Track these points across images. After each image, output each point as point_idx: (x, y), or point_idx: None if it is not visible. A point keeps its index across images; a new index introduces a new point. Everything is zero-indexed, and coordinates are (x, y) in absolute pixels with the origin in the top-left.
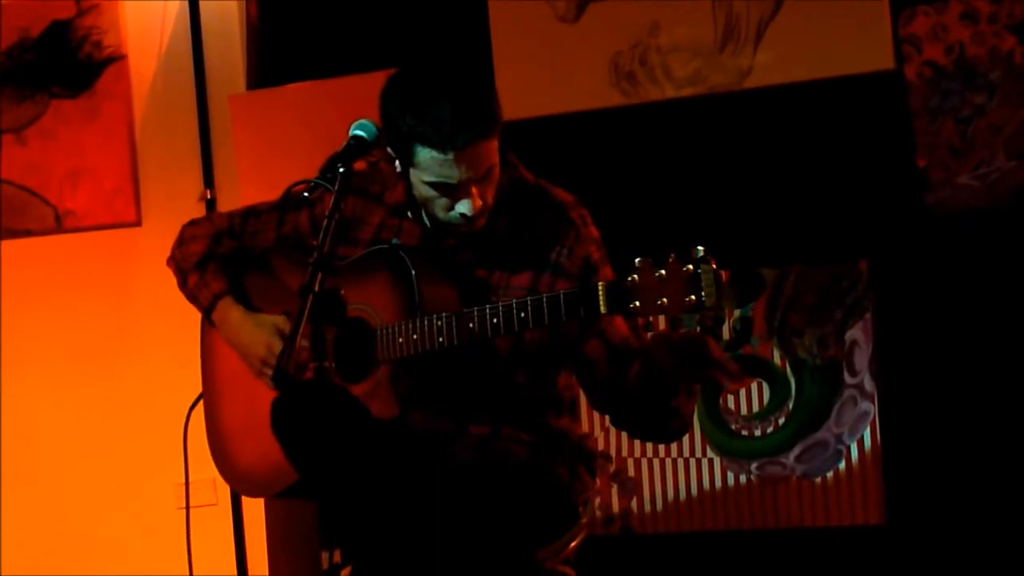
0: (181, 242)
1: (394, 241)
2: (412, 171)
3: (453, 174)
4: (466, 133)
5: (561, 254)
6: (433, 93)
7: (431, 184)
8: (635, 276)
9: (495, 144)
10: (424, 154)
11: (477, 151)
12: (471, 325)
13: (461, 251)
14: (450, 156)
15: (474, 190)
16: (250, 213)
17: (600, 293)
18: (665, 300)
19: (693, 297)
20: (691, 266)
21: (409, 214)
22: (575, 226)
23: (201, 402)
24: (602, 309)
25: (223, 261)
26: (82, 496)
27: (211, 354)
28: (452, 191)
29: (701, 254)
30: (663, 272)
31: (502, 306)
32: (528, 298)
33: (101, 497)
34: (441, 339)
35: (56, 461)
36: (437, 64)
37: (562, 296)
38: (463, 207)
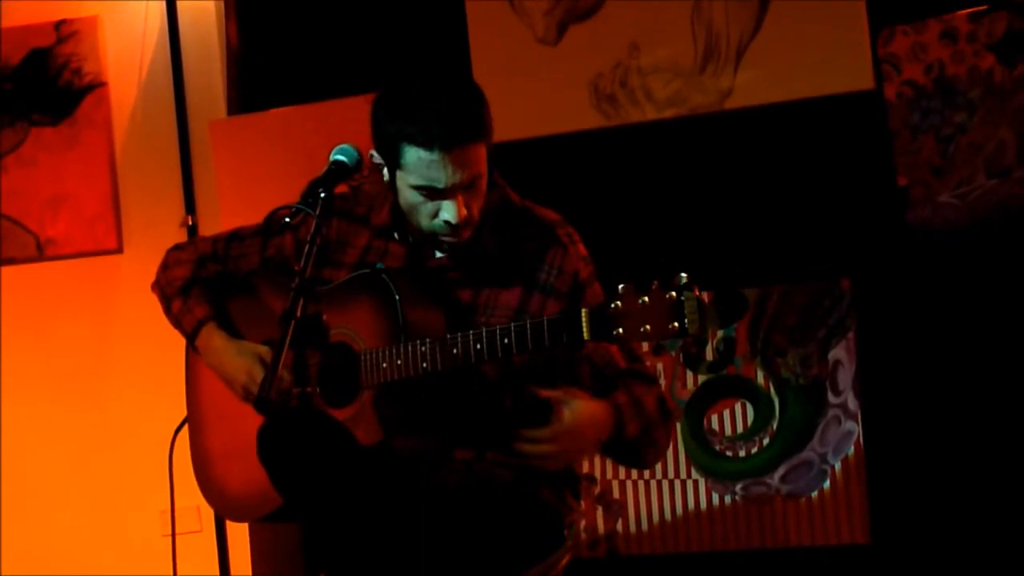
0: (165, 266)
1: (378, 265)
2: (399, 175)
3: (439, 177)
4: (453, 132)
5: (551, 273)
6: (422, 96)
7: (417, 188)
8: (618, 303)
9: (482, 151)
10: (411, 154)
11: (464, 154)
12: (455, 351)
13: (447, 272)
14: (436, 156)
15: (460, 198)
16: (234, 237)
17: (583, 319)
18: (648, 327)
19: (676, 324)
20: (674, 293)
21: (395, 235)
22: (563, 244)
23: (186, 427)
24: (585, 335)
25: (207, 286)
26: (67, 525)
27: (196, 378)
28: (438, 195)
29: (684, 281)
30: (646, 299)
31: (486, 332)
32: (512, 324)
33: (85, 526)
34: (425, 364)
35: (40, 489)
36: (428, 73)
37: (545, 322)
38: (447, 213)
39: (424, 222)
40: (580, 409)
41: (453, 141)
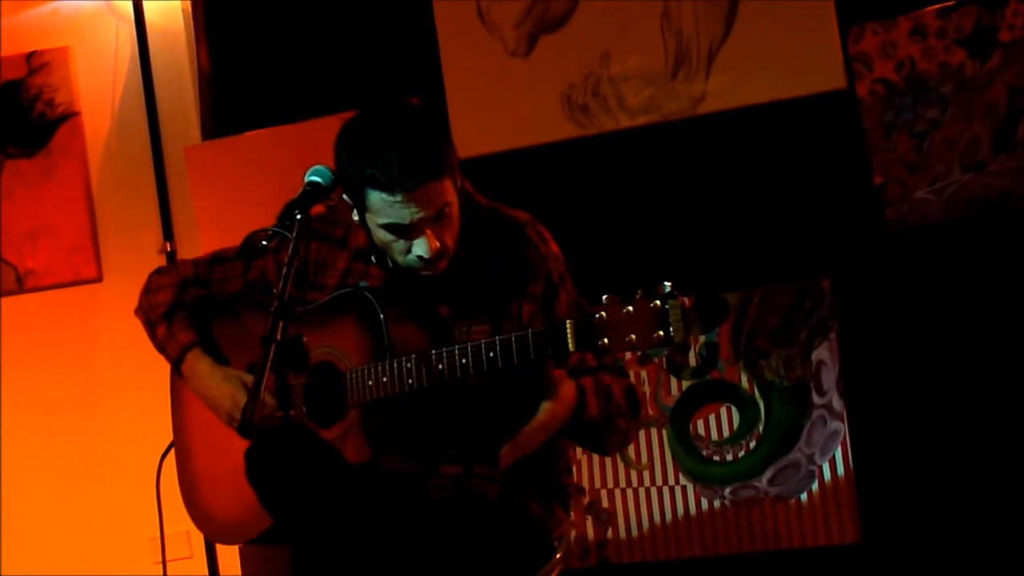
0: (148, 291)
1: (361, 284)
2: (367, 216)
3: (404, 215)
4: (414, 174)
5: (523, 276)
6: (381, 138)
7: (385, 227)
8: (603, 313)
9: (447, 184)
10: (375, 197)
11: (427, 191)
12: (440, 366)
13: (425, 287)
14: (399, 197)
15: (428, 231)
16: (215, 260)
17: (568, 331)
18: (634, 337)
19: (661, 333)
20: (659, 302)
21: (373, 258)
22: (533, 244)
23: (172, 451)
24: (571, 347)
25: (191, 310)
26: (57, 556)
27: (181, 402)
28: (407, 232)
29: (668, 289)
30: (631, 308)
31: (471, 347)
32: (496, 338)
33: (76, 557)
34: (411, 381)
35: (26, 521)
36: (387, 109)
37: (530, 335)
38: (419, 248)
39: (399, 259)
40: (557, 396)
41: (415, 182)
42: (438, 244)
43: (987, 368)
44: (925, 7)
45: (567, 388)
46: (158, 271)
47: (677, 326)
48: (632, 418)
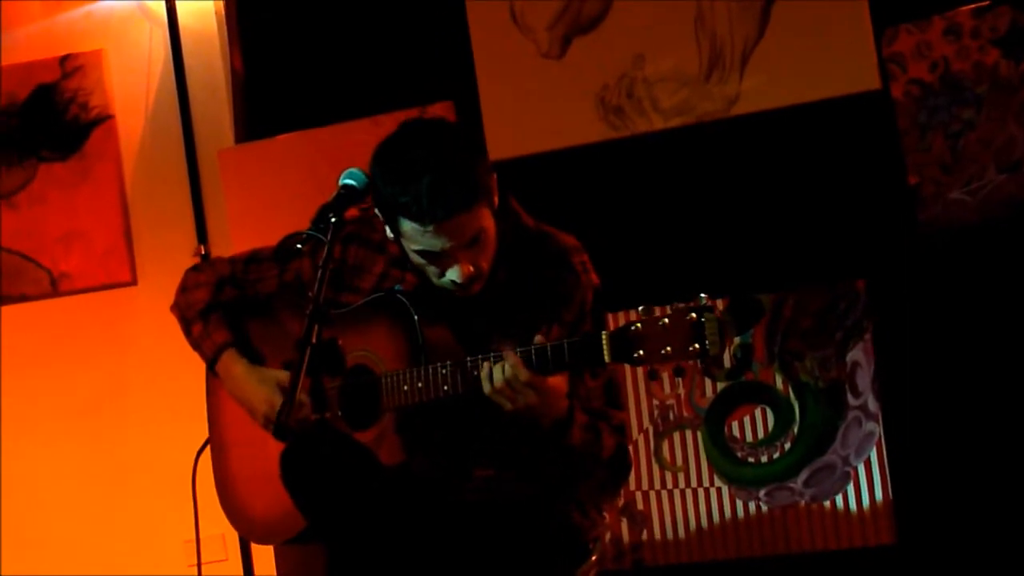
0: (184, 289)
1: (396, 288)
2: (402, 240)
3: (436, 244)
4: (444, 207)
5: (559, 300)
6: (414, 165)
7: (418, 252)
8: (639, 325)
9: (481, 211)
10: (407, 225)
11: (458, 221)
12: (476, 373)
13: (461, 298)
14: (430, 228)
15: (462, 257)
16: (252, 259)
17: (604, 342)
18: (669, 349)
19: (697, 346)
20: (695, 315)
21: (409, 265)
22: (575, 272)
23: (208, 448)
24: (606, 358)
25: (227, 310)
26: (89, 560)
27: (218, 401)
28: (439, 259)
29: (704, 302)
30: (667, 321)
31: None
32: (532, 347)
33: (108, 560)
34: (446, 387)
35: (60, 525)
36: (421, 132)
37: (566, 345)
38: (452, 274)
39: (434, 280)
40: (558, 381)
41: (445, 214)
42: (471, 269)
43: (1021, 368)
44: (959, 7)
45: (563, 397)
46: (195, 268)
47: (713, 339)
48: (612, 472)
